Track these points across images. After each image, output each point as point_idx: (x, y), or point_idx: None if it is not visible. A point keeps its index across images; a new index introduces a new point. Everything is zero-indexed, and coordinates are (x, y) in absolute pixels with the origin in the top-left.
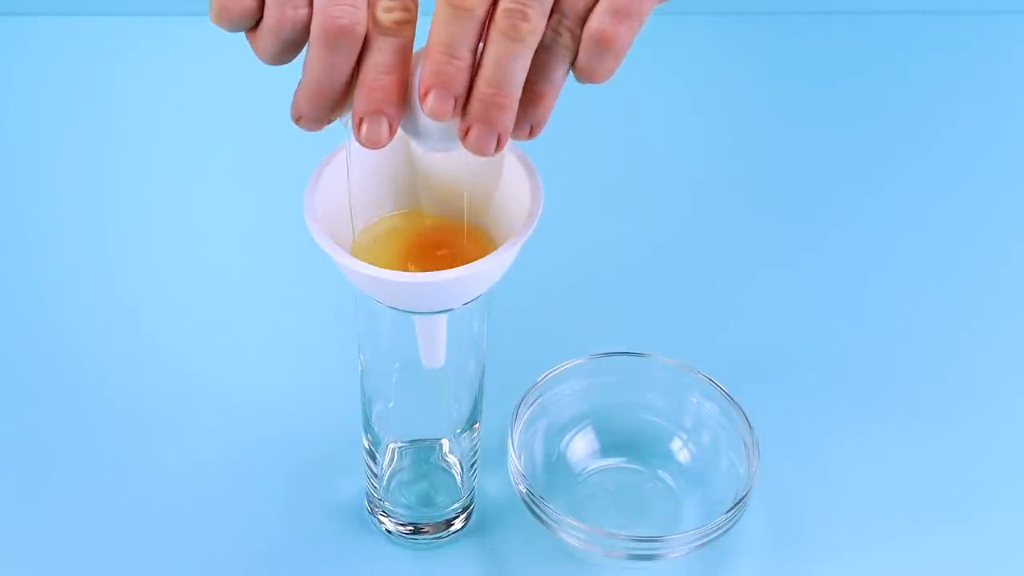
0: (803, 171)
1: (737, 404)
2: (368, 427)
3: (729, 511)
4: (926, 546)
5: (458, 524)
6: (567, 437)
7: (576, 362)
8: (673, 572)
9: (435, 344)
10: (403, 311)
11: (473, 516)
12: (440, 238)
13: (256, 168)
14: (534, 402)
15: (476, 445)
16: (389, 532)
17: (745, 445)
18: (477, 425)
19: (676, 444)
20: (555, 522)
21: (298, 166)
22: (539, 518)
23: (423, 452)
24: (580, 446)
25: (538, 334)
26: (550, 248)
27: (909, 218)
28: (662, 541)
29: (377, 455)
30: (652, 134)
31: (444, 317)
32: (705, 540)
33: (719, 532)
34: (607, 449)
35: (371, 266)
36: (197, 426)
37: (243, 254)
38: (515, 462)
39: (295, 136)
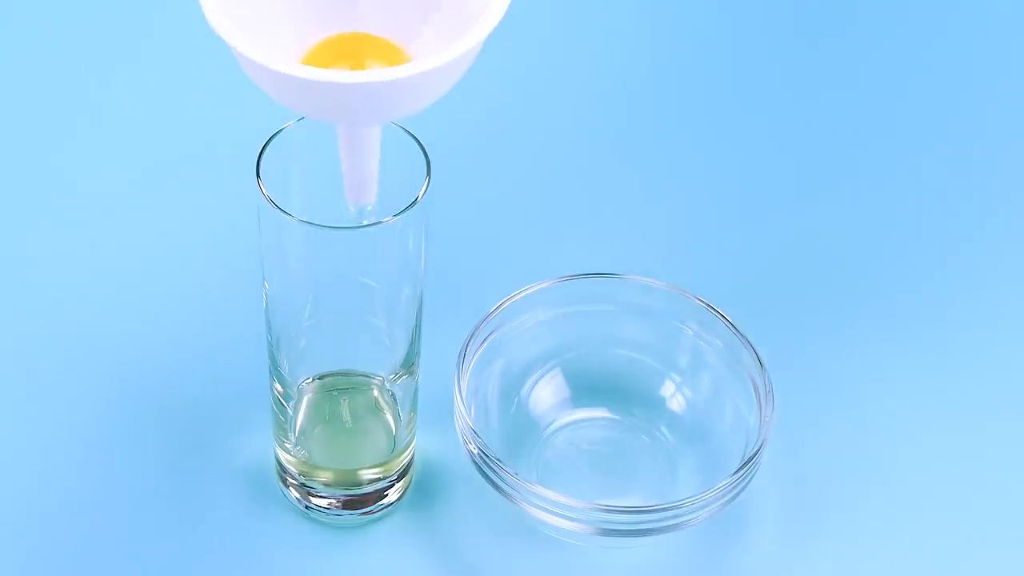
0: (805, 61)
1: (744, 337)
2: (276, 373)
3: (737, 472)
4: (977, 505)
5: (392, 496)
6: (529, 382)
7: (538, 287)
8: (667, 551)
9: (364, 168)
10: (332, 120)
11: (411, 486)
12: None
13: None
14: (487, 338)
15: (414, 394)
16: (307, 507)
17: (755, 389)
18: (415, 367)
19: (668, 389)
20: (515, 490)
21: None
22: (495, 486)
23: (347, 404)
24: (545, 394)
25: (490, 255)
26: (502, 146)
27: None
28: (653, 513)
29: (288, 408)
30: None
31: (378, 131)
32: (707, 510)
33: (724, 499)
34: (580, 397)
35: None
36: (68, 370)
37: (131, 180)
38: (463, 415)
39: None
